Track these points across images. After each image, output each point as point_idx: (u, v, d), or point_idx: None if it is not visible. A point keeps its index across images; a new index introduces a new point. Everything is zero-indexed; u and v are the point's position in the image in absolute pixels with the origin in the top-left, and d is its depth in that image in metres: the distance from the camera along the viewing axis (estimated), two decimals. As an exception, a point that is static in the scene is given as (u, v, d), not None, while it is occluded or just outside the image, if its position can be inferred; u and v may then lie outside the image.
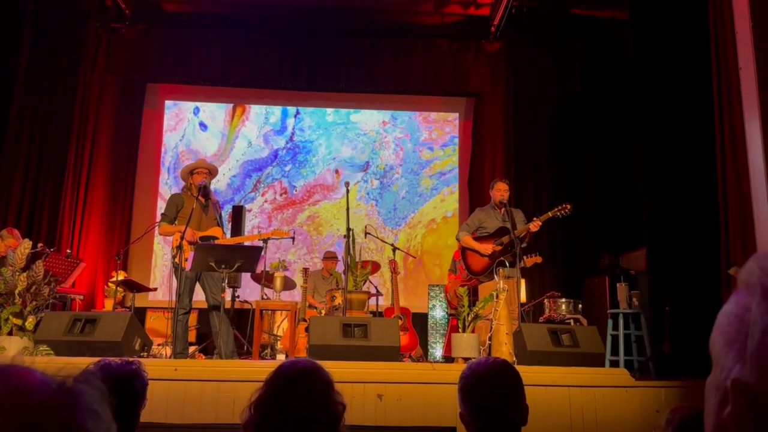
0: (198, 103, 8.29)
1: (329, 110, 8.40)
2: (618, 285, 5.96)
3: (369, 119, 8.44)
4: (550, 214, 4.99)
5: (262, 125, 8.31)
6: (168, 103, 8.30)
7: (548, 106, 8.01)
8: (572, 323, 5.86)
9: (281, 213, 8.13)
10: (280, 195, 8.15)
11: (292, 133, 8.32)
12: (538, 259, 5.88)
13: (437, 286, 7.19)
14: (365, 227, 6.60)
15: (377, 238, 6.73)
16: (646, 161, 6.61)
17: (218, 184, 7.88)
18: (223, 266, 4.44)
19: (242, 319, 6.54)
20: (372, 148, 8.41)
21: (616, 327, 5.84)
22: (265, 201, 8.12)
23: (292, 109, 8.36)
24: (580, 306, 6.19)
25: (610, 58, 7.49)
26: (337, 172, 8.22)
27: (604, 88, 7.61)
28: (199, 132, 8.24)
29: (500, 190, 5.28)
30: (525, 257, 5.68)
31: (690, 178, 5.70)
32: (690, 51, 5.31)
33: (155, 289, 7.21)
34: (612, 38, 7.42)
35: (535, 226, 4.94)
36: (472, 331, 4.44)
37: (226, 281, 4.65)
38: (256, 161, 8.24)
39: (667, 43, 5.61)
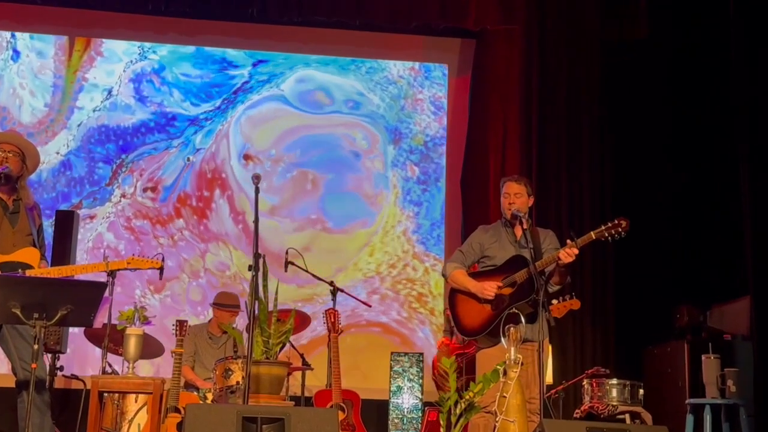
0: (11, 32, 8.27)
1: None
2: (704, 358, 6.05)
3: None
4: (593, 235, 4.99)
5: (129, 65, 8.34)
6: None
7: (594, 59, 8.12)
8: (628, 420, 5.92)
9: (163, 227, 8.07)
10: (144, 191, 8.09)
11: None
12: (575, 304, 5.89)
13: (404, 354, 7.23)
14: (286, 252, 6.57)
15: (306, 271, 6.74)
16: (751, 165, 6.74)
17: (42, 168, 7.75)
18: (36, 315, 4.35)
19: (69, 405, 6.48)
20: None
21: (699, 426, 5.91)
22: (123, 196, 8.08)
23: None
24: (640, 391, 6.25)
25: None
26: (246, 157, 8.23)
27: (686, 36, 7.74)
28: (12, 72, 8.16)
29: (511, 195, 5.29)
30: (554, 301, 5.71)
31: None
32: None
33: None
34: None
35: (567, 254, 4.91)
36: (463, 433, 4.43)
37: (41, 341, 4.50)
38: (120, 130, 8.20)
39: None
